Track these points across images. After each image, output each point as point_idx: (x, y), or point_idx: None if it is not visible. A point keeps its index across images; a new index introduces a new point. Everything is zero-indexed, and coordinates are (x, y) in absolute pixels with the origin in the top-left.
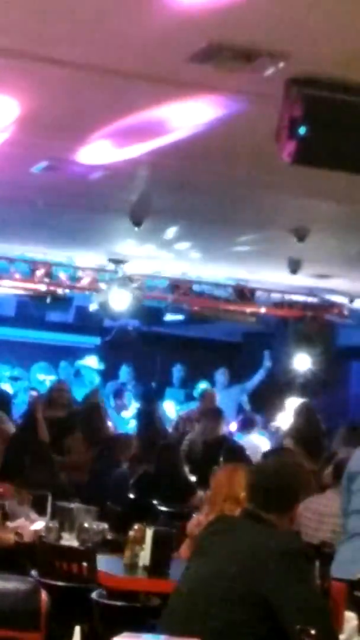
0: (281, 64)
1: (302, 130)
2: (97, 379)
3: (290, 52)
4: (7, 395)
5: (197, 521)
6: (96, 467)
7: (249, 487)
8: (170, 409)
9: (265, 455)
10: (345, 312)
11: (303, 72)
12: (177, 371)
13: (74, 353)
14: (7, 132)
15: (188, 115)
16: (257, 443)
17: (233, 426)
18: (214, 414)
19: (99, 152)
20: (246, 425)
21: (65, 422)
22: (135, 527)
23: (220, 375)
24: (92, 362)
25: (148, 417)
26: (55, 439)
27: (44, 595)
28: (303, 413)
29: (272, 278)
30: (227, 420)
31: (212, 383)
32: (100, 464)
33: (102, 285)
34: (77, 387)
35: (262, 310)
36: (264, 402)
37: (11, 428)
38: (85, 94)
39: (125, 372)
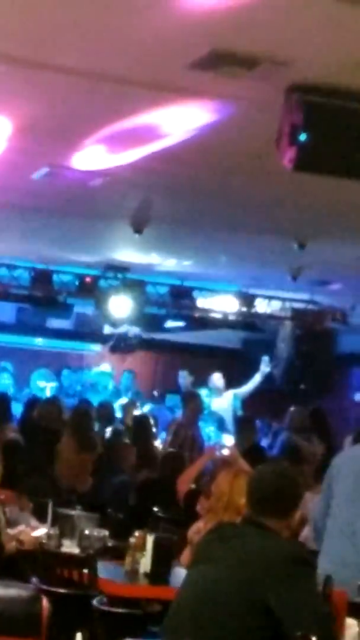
0: (282, 71)
1: (302, 136)
2: (111, 384)
3: (291, 60)
4: (6, 399)
5: (197, 529)
6: (96, 474)
7: (247, 494)
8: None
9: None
10: (346, 319)
11: (303, 79)
12: (182, 377)
13: (75, 360)
14: (7, 138)
15: (188, 122)
16: None
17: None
18: (249, 424)
19: (98, 158)
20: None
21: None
22: (136, 534)
23: (216, 380)
24: (105, 368)
25: (144, 424)
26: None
27: (45, 602)
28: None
29: (273, 284)
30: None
31: (210, 388)
32: (100, 471)
33: (103, 292)
34: (92, 395)
35: (263, 317)
36: (262, 408)
37: (10, 434)
38: (86, 101)
39: (126, 379)
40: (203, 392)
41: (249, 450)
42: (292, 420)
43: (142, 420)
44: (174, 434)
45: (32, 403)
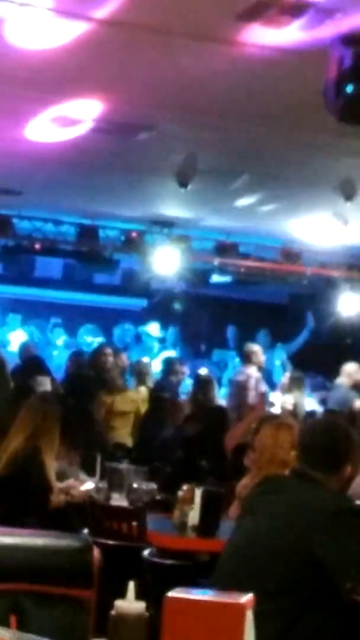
0: (329, 21)
1: (349, 88)
2: (156, 347)
3: (339, 8)
4: (41, 358)
5: (245, 483)
6: (144, 428)
7: (298, 447)
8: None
9: (311, 415)
10: None
11: (351, 29)
12: (232, 332)
13: (122, 315)
14: (54, 94)
15: (235, 74)
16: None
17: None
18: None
19: (145, 111)
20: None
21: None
22: (185, 487)
23: (263, 337)
24: (153, 329)
25: (203, 380)
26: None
27: (96, 552)
28: None
29: (319, 238)
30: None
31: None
32: (147, 425)
33: (149, 247)
34: (136, 352)
35: (309, 271)
36: (309, 363)
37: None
38: (132, 54)
39: (171, 334)
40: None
41: None
42: (349, 377)
43: (206, 379)
44: (240, 389)
45: (77, 357)
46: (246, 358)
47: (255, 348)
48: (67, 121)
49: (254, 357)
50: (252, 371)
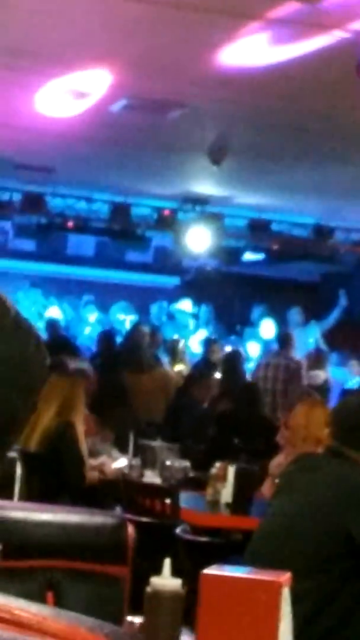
0: None
1: None
2: (191, 323)
3: None
4: (68, 338)
5: (278, 462)
6: (176, 406)
7: (331, 424)
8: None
9: (347, 393)
10: None
11: None
12: (257, 311)
13: (154, 293)
14: (86, 70)
15: (268, 52)
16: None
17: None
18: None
19: (177, 89)
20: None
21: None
22: (217, 465)
23: (295, 315)
24: (186, 305)
25: (232, 357)
26: None
27: (130, 529)
28: None
29: (352, 216)
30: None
31: (287, 322)
32: (180, 403)
33: (181, 225)
34: (170, 330)
35: (342, 249)
36: (341, 341)
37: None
38: (167, 31)
39: (205, 312)
40: (266, 322)
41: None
42: None
43: (234, 355)
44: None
45: (110, 335)
46: (285, 342)
47: (292, 333)
48: (99, 98)
49: (292, 341)
50: (296, 356)
